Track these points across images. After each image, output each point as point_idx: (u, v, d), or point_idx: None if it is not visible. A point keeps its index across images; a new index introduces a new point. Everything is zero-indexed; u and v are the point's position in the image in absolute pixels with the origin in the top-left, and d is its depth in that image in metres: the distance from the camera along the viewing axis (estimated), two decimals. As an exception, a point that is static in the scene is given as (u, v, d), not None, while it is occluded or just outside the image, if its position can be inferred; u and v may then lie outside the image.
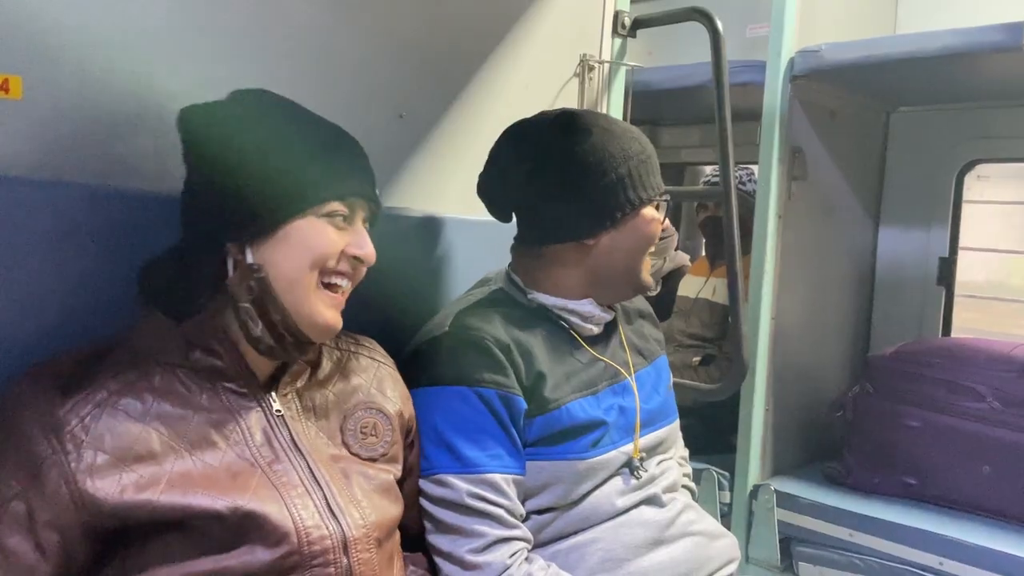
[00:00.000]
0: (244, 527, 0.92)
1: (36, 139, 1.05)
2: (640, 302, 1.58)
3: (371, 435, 1.11)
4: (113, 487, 0.87)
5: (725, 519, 2.50)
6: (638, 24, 1.94)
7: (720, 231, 2.29)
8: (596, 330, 1.39)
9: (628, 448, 1.33)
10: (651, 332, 1.55)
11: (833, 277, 2.76)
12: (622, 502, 1.30)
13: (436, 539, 1.20)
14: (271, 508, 0.93)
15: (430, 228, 1.54)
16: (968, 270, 3.46)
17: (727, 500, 2.51)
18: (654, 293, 1.55)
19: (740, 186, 2.85)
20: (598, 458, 1.28)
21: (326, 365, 1.12)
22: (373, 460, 1.09)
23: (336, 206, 1.00)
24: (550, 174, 1.31)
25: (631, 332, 1.49)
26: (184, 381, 0.96)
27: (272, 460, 0.98)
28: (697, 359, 2.80)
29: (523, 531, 1.22)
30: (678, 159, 3.49)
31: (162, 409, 0.93)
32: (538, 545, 1.26)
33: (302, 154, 0.99)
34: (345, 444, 1.08)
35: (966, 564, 2.08)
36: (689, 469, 1.56)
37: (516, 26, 1.70)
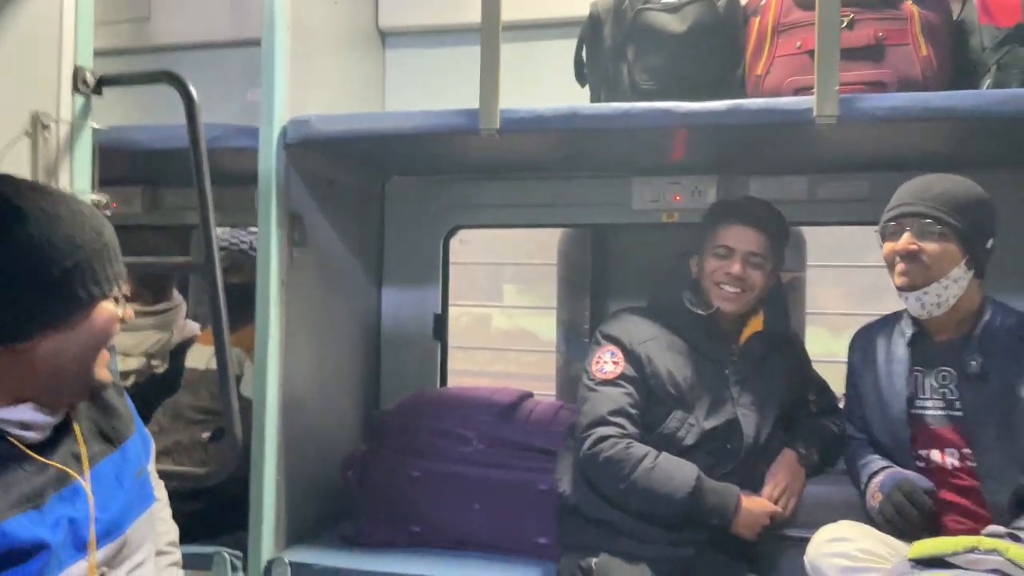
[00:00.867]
0: None
1: None
2: None
3: None
4: None
5: (241, 601, 2.36)
6: (105, 82, 1.76)
7: (234, 298, 2.18)
8: (40, 436, 1.20)
9: (80, 569, 1.17)
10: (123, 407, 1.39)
11: (341, 338, 2.83)
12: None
13: None
14: None
15: None
16: (456, 322, 3.88)
17: (241, 581, 2.38)
18: (129, 383, 1.41)
19: (251, 251, 2.79)
20: (46, 587, 1.10)
21: None
22: None
23: None
24: None
25: (96, 413, 1.32)
26: None
27: None
28: (207, 434, 2.61)
29: None
30: (183, 221, 3.29)
31: None
32: None
33: None
34: None
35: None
36: (177, 556, 1.45)
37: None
